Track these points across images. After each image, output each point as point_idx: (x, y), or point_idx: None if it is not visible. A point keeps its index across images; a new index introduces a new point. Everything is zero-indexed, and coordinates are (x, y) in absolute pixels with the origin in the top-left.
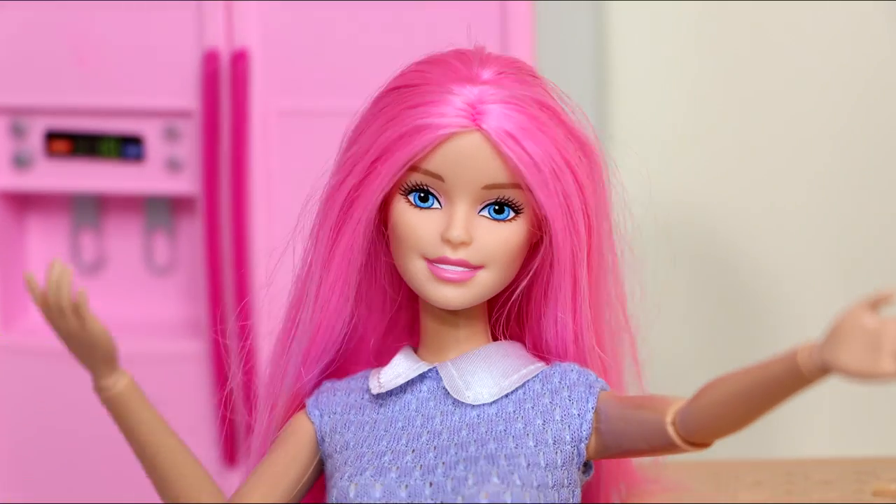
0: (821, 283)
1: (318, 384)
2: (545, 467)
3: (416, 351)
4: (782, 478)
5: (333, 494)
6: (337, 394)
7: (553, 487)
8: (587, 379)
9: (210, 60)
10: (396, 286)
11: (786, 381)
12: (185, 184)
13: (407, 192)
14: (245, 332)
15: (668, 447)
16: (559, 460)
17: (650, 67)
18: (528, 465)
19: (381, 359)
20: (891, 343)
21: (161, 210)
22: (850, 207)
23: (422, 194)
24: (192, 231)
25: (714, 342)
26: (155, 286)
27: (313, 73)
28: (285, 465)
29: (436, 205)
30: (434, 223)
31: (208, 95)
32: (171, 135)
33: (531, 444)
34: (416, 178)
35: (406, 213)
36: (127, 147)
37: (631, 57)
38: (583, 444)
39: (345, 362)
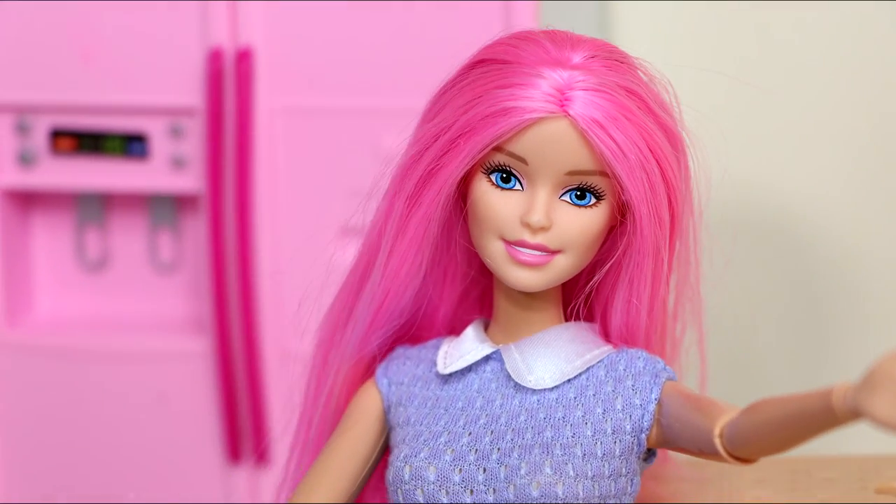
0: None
1: (390, 348)
2: (602, 457)
3: (486, 327)
4: (786, 475)
5: (390, 473)
6: (407, 363)
7: (610, 477)
8: (654, 367)
9: (214, 58)
10: (470, 259)
11: (820, 417)
12: (190, 181)
13: (489, 172)
14: (249, 330)
15: (714, 456)
16: (617, 450)
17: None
18: (584, 455)
19: (454, 328)
20: None
21: (165, 208)
22: (851, 205)
23: (504, 175)
24: (196, 228)
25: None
26: (159, 284)
27: (318, 71)
28: (352, 449)
29: (517, 186)
30: (515, 205)
31: (213, 93)
32: (175, 132)
33: (589, 433)
34: (500, 159)
35: (487, 193)
36: (131, 145)
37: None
38: (643, 435)
39: (416, 328)
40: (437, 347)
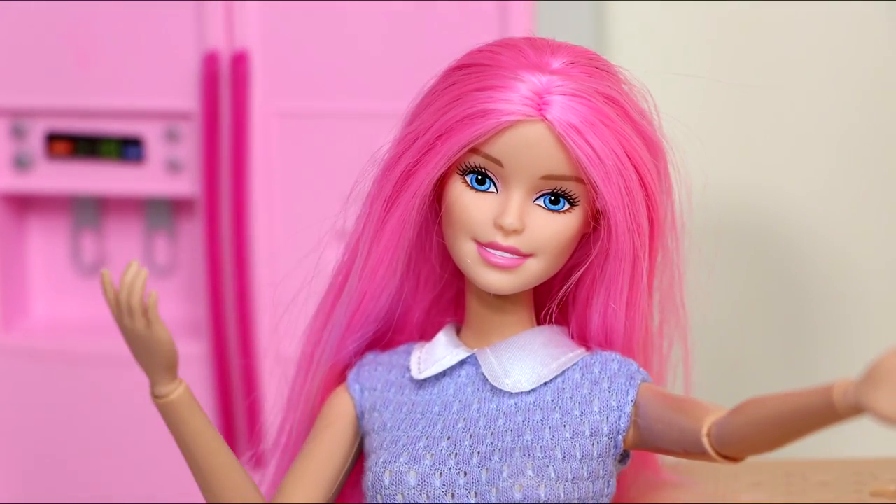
0: (823, 279)
1: (360, 354)
2: (581, 459)
3: (458, 331)
4: (781, 479)
5: (369, 478)
6: (379, 368)
7: (588, 479)
8: (628, 370)
9: (210, 62)
10: (444, 262)
11: (820, 414)
12: (186, 185)
13: (465, 173)
14: (245, 333)
15: (700, 455)
16: (595, 452)
17: (650, 67)
18: (564, 457)
19: (425, 332)
20: None
21: (161, 211)
22: (852, 206)
23: (479, 176)
24: (192, 232)
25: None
26: (155, 287)
27: (313, 75)
28: (328, 452)
29: (492, 188)
30: (489, 207)
31: (208, 97)
32: (171, 136)
33: (568, 435)
34: (476, 161)
35: (462, 194)
36: (127, 148)
37: (631, 57)
38: (620, 436)
39: (388, 333)
40: (409, 353)
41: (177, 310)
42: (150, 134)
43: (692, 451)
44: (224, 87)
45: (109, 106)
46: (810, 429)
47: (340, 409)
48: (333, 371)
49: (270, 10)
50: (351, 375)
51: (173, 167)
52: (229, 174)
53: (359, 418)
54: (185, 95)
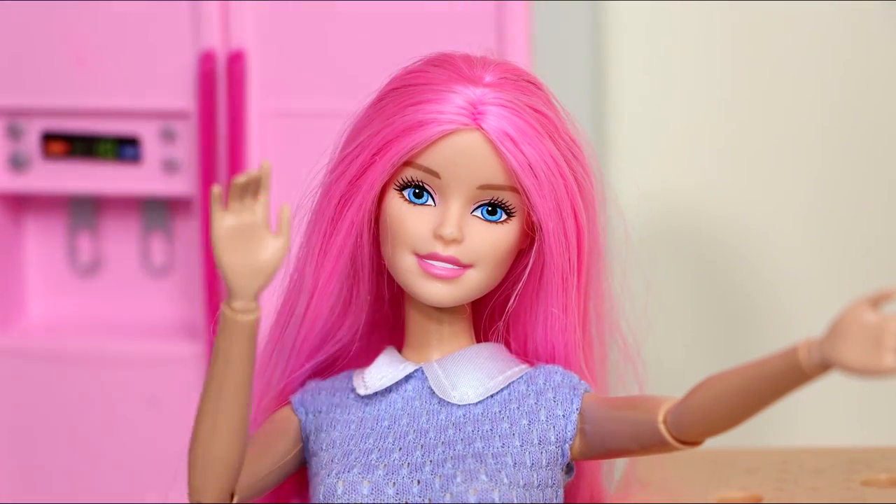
0: (819, 285)
1: (302, 384)
2: (531, 467)
3: (399, 350)
4: (777, 465)
5: (320, 492)
6: (322, 393)
7: (538, 487)
8: (571, 381)
9: (206, 61)
10: (381, 284)
11: (785, 377)
12: (182, 185)
13: (402, 188)
14: None
15: (659, 446)
16: (544, 460)
17: (648, 68)
18: (515, 464)
19: (365, 358)
20: (892, 339)
21: (158, 211)
22: (850, 208)
23: (417, 190)
24: (189, 232)
25: (709, 343)
26: (152, 287)
27: (310, 74)
28: (272, 439)
29: (430, 202)
30: (427, 219)
31: (205, 96)
32: (167, 136)
33: (517, 443)
34: (412, 174)
35: (400, 208)
36: (124, 148)
37: (628, 57)
38: (567, 445)
39: (330, 361)
40: (349, 377)
41: (173, 310)
42: (147, 134)
43: (648, 443)
44: (220, 87)
45: (106, 106)
46: (776, 395)
47: (286, 416)
48: (280, 402)
49: (267, 9)
50: (295, 399)
51: (170, 167)
52: (226, 174)
53: (304, 440)
54: (181, 95)
